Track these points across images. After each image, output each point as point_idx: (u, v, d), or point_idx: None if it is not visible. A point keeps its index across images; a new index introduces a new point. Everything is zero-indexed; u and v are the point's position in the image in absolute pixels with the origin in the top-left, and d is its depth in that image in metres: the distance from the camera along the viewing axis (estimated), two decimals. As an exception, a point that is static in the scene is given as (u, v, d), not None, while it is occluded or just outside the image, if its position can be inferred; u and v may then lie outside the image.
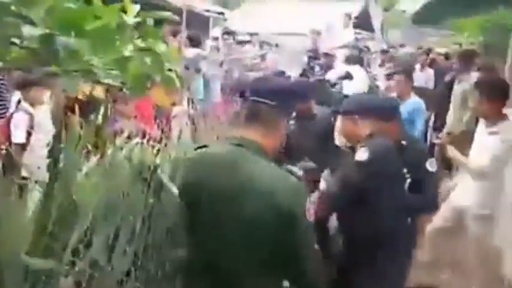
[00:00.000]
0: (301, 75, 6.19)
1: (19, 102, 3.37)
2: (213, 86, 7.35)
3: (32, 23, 1.03)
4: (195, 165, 1.76)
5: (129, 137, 2.66)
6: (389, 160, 2.46)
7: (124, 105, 3.63)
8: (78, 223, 2.11)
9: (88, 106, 4.09)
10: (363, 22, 13.64)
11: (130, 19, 1.32)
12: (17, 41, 1.07)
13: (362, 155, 2.38)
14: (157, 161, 2.58)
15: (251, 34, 9.37)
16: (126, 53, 1.30)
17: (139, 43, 1.39)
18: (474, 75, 5.05)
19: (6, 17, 0.97)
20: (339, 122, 2.76)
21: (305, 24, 9.79)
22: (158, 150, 2.82)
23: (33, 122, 3.27)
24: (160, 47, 1.41)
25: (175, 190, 2.75)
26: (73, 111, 4.04)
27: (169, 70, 1.53)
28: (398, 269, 2.59)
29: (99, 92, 4.30)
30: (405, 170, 2.62)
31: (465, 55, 5.47)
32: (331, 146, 2.82)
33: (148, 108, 4.10)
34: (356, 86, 4.10)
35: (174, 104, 4.60)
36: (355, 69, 4.26)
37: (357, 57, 5.13)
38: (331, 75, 4.16)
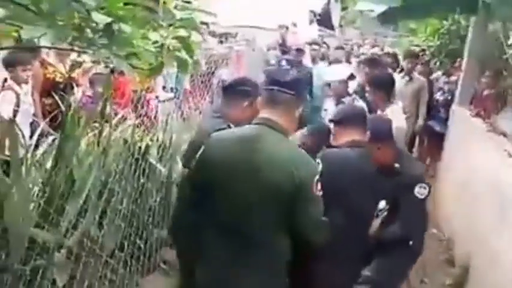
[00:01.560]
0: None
1: (5, 80, 3.35)
2: (182, 74, 7.42)
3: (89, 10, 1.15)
4: (223, 142, 1.88)
5: (124, 119, 2.76)
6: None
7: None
8: (75, 198, 2.22)
9: (65, 87, 4.11)
10: (324, 19, 13.99)
11: (174, 10, 1.45)
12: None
13: None
14: (149, 142, 2.71)
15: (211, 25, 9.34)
16: (161, 40, 1.43)
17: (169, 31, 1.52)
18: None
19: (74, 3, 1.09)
20: None
21: (272, 19, 9.91)
22: (146, 133, 2.94)
23: (19, 100, 3.28)
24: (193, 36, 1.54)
25: (163, 170, 2.89)
26: (50, 92, 4.05)
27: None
28: None
29: (76, 73, 4.32)
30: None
31: (411, 55, 5.88)
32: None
33: (127, 92, 4.15)
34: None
35: (147, 90, 4.65)
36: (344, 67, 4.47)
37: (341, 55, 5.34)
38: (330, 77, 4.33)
